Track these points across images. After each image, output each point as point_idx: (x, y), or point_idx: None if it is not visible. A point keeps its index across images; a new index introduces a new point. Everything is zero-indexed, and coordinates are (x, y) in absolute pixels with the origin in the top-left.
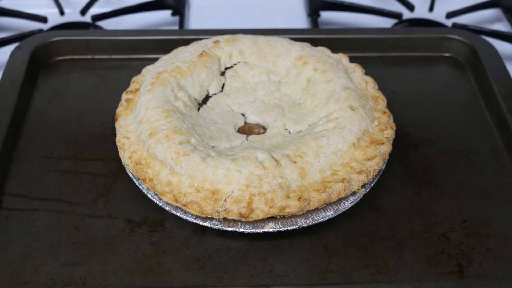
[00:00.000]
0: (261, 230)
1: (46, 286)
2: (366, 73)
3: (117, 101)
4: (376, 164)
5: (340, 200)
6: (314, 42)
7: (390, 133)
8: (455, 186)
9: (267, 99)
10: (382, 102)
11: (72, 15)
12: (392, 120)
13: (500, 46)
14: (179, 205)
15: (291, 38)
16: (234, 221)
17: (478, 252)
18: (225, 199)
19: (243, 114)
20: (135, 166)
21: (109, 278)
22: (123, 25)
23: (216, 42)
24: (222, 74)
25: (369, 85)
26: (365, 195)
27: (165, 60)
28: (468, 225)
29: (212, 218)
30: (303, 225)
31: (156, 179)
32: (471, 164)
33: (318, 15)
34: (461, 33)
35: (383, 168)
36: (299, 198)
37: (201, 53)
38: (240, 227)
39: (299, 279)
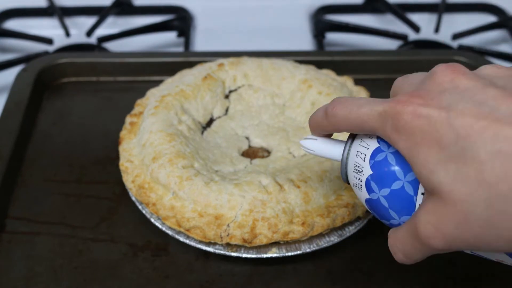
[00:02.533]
0: (265, 256)
1: None
2: (371, 96)
3: (121, 123)
4: None
5: (344, 225)
6: (319, 64)
7: None
8: None
9: (271, 122)
10: None
11: (78, 36)
12: None
13: None
14: (182, 230)
15: (296, 60)
16: (238, 246)
17: (485, 279)
18: (228, 224)
19: (247, 138)
20: (138, 190)
21: None
22: (129, 46)
23: (221, 65)
24: (227, 97)
25: None
26: (369, 220)
27: (169, 83)
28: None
29: (215, 243)
30: (307, 250)
31: (159, 203)
32: None
33: (323, 37)
34: (467, 55)
35: None
36: (303, 224)
37: (205, 76)
38: (244, 252)
39: None
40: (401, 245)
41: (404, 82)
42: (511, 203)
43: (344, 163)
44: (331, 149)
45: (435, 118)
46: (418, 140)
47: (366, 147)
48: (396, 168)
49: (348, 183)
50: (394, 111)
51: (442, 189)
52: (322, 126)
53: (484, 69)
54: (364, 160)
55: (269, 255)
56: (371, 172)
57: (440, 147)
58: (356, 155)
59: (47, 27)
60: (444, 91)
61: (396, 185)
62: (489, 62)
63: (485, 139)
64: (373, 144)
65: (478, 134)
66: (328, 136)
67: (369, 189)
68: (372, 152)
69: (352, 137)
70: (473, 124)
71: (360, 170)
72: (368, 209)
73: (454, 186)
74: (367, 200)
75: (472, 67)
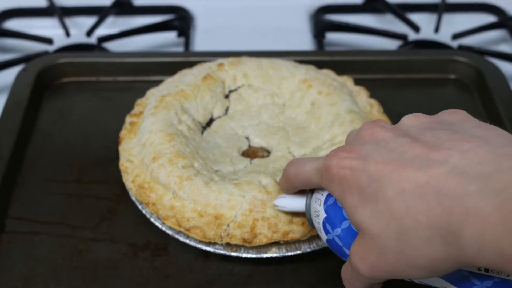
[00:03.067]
0: (265, 255)
1: None
2: (371, 96)
3: (121, 123)
4: None
5: None
6: (319, 64)
7: None
8: None
9: (271, 122)
10: None
11: (78, 36)
12: None
13: (506, 67)
14: (182, 230)
15: (296, 60)
16: (238, 246)
17: None
18: (228, 224)
19: (247, 137)
20: (138, 190)
21: None
22: (129, 46)
23: (220, 65)
24: (226, 97)
25: (374, 108)
26: None
27: (169, 83)
28: None
29: (215, 243)
30: (307, 250)
31: (159, 203)
32: None
33: (323, 37)
34: (466, 55)
35: None
36: (303, 223)
37: (205, 76)
38: (243, 252)
39: None
40: (345, 275)
41: (347, 138)
42: (414, 235)
43: (307, 210)
44: (298, 202)
45: (355, 167)
46: (345, 188)
47: (321, 194)
48: (343, 210)
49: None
50: (325, 166)
51: (363, 226)
52: (283, 186)
53: (404, 120)
54: (320, 205)
55: (269, 255)
56: (325, 215)
57: (359, 191)
58: (315, 202)
59: (47, 27)
60: (364, 143)
61: (344, 225)
62: (489, 62)
63: (392, 180)
64: (326, 191)
65: (387, 176)
66: (297, 193)
67: (326, 231)
68: (325, 198)
69: (313, 189)
70: (383, 168)
71: (318, 214)
72: (332, 250)
73: (371, 222)
74: (327, 241)
75: (472, 67)
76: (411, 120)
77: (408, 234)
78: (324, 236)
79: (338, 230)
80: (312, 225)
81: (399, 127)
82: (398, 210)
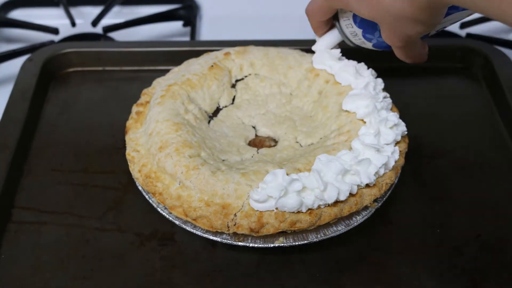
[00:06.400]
0: (272, 245)
1: None
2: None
3: (127, 113)
4: (388, 178)
5: (351, 214)
6: None
7: (402, 146)
8: (469, 199)
9: (278, 112)
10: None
11: (83, 26)
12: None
13: None
14: (189, 219)
15: (303, 49)
16: (245, 236)
17: (493, 267)
18: (235, 214)
19: (254, 127)
20: (145, 179)
21: None
22: (134, 36)
23: (227, 54)
24: (233, 86)
25: None
26: (377, 209)
27: (175, 72)
28: (482, 239)
29: (222, 233)
30: (314, 240)
31: (166, 193)
32: (485, 177)
33: None
34: (475, 43)
35: (396, 181)
36: (310, 213)
37: (212, 65)
38: (251, 242)
39: None
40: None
41: None
42: None
43: (344, 37)
44: (331, 36)
45: None
46: None
47: (348, 18)
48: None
49: (357, 46)
50: None
51: None
52: (314, 28)
53: None
54: (353, 27)
55: (276, 244)
56: (361, 30)
57: None
58: (346, 27)
59: (53, 17)
60: None
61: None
62: (498, 50)
63: None
64: (349, 14)
65: None
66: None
67: (369, 39)
68: (353, 18)
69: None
70: None
71: (356, 33)
72: (375, 48)
73: None
74: (373, 46)
75: (481, 55)
76: None
77: None
78: (369, 45)
79: (377, 33)
80: (355, 46)
81: None
82: None
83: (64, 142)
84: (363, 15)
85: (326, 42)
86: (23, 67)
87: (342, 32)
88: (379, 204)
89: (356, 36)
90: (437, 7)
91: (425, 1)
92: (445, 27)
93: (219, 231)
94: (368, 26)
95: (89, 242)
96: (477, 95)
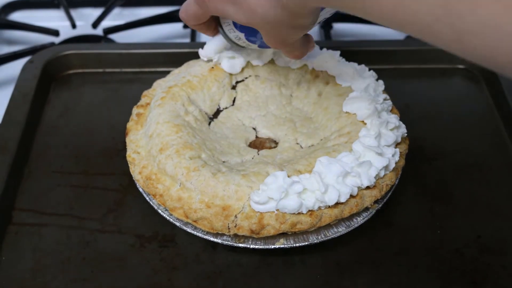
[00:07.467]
0: (272, 247)
1: None
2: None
3: (128, 114)
4: (388, 179)
5: (352, 215)
6: None
7: (403, 147)
8: (469, 201)
9: (278, 113)
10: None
11: (84, 28)
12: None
13: None
14: (190, 221)
15: None
16: (245, 237)
17: (493, 269)
18: (235, 215)
19: (254, 128)
20: (145, 181)
21: None
22: (135, 38)
23: None
24: (233, 87)
25: None
26: (377, 211)
27: (176, 74)
28: (482, 241)
29: (223, 234)
30: (315, 241)
31: (167, 194)
32: (485, 179)
33: (331, 27)
34: None
35: (396, 183)
36: (311, 214)
37: (212, 67)
38: (251, 243)
39: None
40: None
41: None
42: None
43: (228, 40)
44: (217, 40)
45: None
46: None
47: (228, 23)
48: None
49: (245, 47)
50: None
51: None
52: (200, 29)
53: None
54: (235, 31)
55: (276, 246)
56: (243, 33)
57: None
58: (229, 32)
59: (53, 18)
60: None
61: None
62: None
63: None
64: (230, 20)
65: None
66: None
67: (253, 42)
68: (233, 24)
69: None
70: None
71: (239, 37)
72: (262, 48)
73: None
74: (259, 47)
75: None
76: None
77: None
78: (255, 46)
79: (259, 35)
80: (244, 47)
81: None
82: None
83: (65, 144)
84: (241, 23)
85: (214, 46)
86: (24, 69)
87: (226, 36)
88: (380, 206)
89: (240, 40)
90: (309, 11)
91: (296, 7)
92: (325, 18)
93: (220, 232)
94: (249, 30)
95: (90, 244)
96: (478, 96)
